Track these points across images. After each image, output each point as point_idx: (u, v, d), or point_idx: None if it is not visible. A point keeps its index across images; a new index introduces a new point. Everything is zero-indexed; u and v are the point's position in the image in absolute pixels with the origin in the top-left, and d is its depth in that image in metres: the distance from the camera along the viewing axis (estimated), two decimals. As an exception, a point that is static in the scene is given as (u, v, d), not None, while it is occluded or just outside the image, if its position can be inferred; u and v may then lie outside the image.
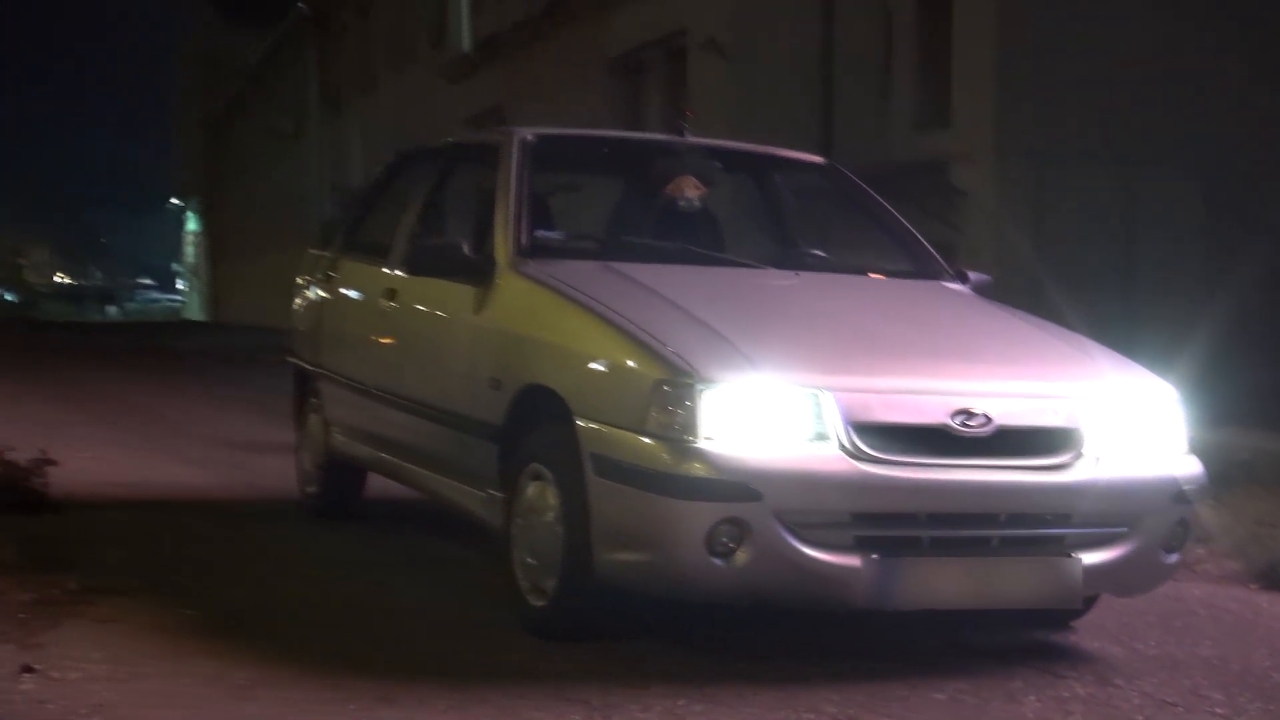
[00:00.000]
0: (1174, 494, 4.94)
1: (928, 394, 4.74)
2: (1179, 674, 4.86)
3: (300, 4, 42.13)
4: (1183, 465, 5.00)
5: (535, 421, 5.18)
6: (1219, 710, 4.46)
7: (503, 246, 5.80)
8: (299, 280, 8.26)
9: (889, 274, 6.36)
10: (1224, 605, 5.95)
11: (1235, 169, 14.25)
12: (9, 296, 71.69)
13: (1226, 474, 6.39)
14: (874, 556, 4.53)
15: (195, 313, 68.91)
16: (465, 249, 6.01)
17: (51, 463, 7.99)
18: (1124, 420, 4.93)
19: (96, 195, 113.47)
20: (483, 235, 6.07)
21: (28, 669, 4.51)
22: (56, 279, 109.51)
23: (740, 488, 4.47)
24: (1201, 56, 15.07)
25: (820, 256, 6.68)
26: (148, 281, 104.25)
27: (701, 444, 4.51)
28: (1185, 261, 14.37)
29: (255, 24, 50.17)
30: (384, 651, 4.85)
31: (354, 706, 4.20)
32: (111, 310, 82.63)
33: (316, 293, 7.84)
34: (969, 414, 4.69)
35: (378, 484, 7.34)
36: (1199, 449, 5.12)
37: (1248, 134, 14.40)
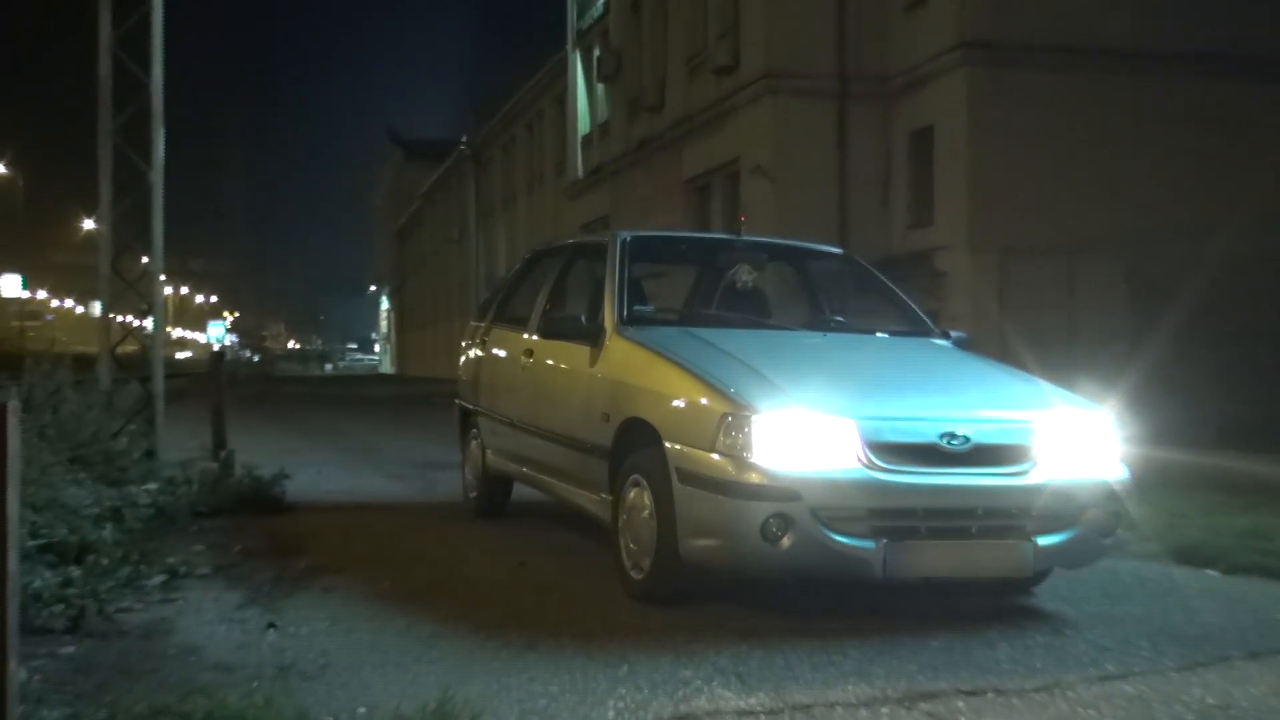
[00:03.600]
0: (1108, 493, 4.86)
1: (922, 421, 4.71)
2: (1115, 627, 4.76)
3: (462, 146, 42.77)
4: (1115, 472, 4.92)
5: (634, 444, 5.19)
6: (1145, 654, 4.36)
7: (610, 317, 5.83)
8: (462, 344, 8.33)
9: (892, 333, 6.32)
10: (1148, 576, 5.83)
11: (1150, 255, 14.08)
12: (255, 358, 73.05)
13: (1147, 479, 6.26)
14: (884, 541, 4.51)
15: (386, 368, 69.77)
16: (583, 319, 6.07)
17: (287, 477, 8.12)
18: (1070, 439, 4.87)
19: (318, 285, 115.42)
20: (595, 309, 6.09)
21: (271, 625, 4.58)
22: (289, 346, 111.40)
23: (785, 491, 4.46)
24: (1122, 171, 14.99)
25: (841, 321, 6.66)
26: (353, 346, 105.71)
27: (755, 459, 4.51)
28: (1113, 324, 14.17)
29: (429, 161, 51.02)
30: (528, 613, 4.86)
31: (506, 652, 4.22)
32: (328, 367, 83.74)
33: (475, 353, 7.91)
34: (953, 435, 4.65)
35: (521, 491, 7.38)
36: (1127, 461, 5.04)
37: (1158, 228, 14.23)
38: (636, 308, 6.00)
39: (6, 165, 53.55)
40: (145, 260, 10.48)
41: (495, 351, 7.49)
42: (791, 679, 3.93)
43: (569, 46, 29.09)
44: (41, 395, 8.64)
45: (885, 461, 4.55)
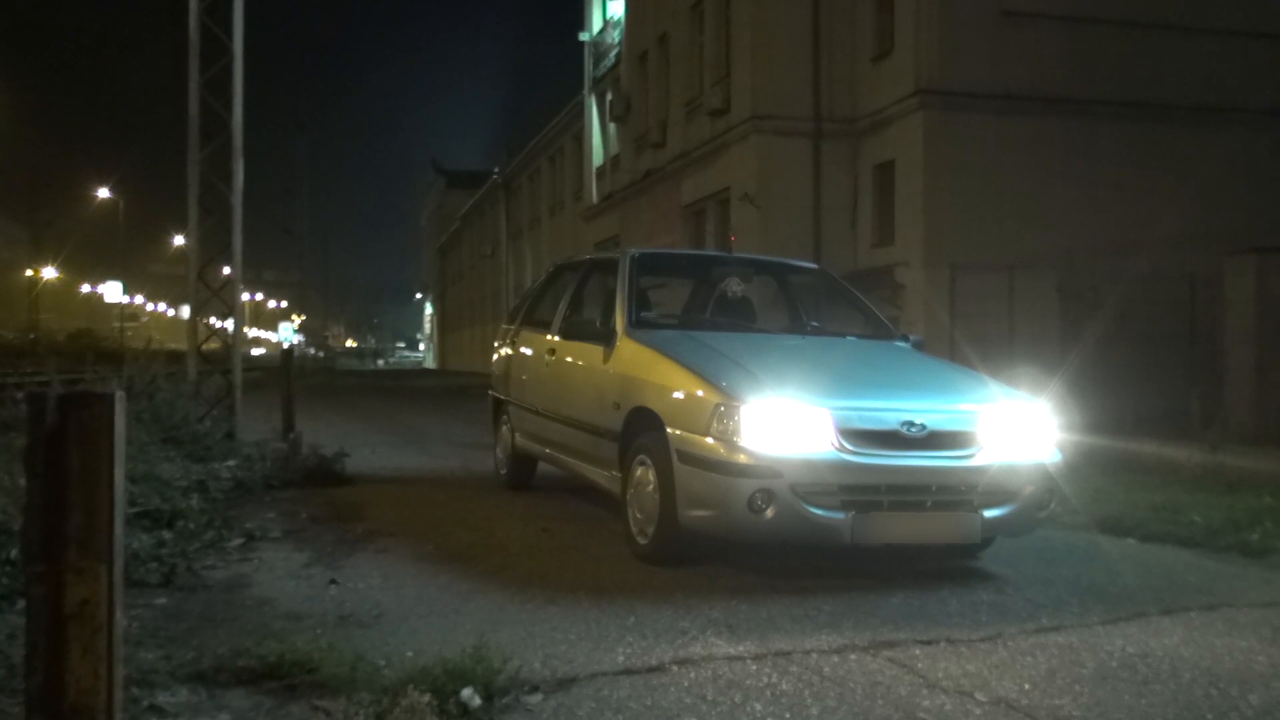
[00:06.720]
0: (1043, 473, 4.84)
1: (886, 411, 4.69)
2: (1048, 587, 4.75)
3: (495, 176, 42.74)
4: (1049, 455, 4.90)
5: (641, 429, 5.17)
6: (1074, 610, 4.34)
7: (620, 321, 5.82)
8: (494, 343, 8.32)
9: (859, 337, 6.30)
10: (1076, 543, 5.81)
11: (1078, 270, 14.07)
12: (319, 354, 72.98)
13: (1076, 461, 6.25)
14: (853, 512, 4.49)
15: (430, 363, 69.75)
16: (597, 323, 6.05)
17: (346, 455, 8.12)
18: (1010, 426, 4.84)
19: (372, 292, 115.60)
20: (608, 315, 6.08)
21: (333, 581, 4.57)
22: (348, 344, 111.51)
23: (768, 469, 4.44)
24: (1054, 199, 14.97)
25: (817, 325, 6.64)
26: (402, 344, 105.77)
27: (743, 442, 4.49)
28: (1047, 330, 14.15)
29: (467, 188, 51.03)
30: (550, 571, 4.86)
31: (532, 605, 4.20)
32: (380, 362, 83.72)
33: (505, 351, 7.89)
34: (911, 423, 4.63)
35: (544, 469, 7.36)
36: (1059, 445, 5.02)
37: (1085, 248, 14.23)
38: (643, 314, 5.99)
39: (110, 190, 53.57)
40: (227, 270, 10.49)
41: (523, 350, 7.48)
42: (774, 629, 3.92)
43: (586, 92, 29.09)
44: (139, 385, 8.65)
45: (854, 445, 4.54)
